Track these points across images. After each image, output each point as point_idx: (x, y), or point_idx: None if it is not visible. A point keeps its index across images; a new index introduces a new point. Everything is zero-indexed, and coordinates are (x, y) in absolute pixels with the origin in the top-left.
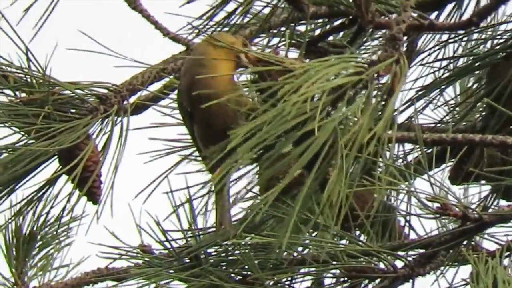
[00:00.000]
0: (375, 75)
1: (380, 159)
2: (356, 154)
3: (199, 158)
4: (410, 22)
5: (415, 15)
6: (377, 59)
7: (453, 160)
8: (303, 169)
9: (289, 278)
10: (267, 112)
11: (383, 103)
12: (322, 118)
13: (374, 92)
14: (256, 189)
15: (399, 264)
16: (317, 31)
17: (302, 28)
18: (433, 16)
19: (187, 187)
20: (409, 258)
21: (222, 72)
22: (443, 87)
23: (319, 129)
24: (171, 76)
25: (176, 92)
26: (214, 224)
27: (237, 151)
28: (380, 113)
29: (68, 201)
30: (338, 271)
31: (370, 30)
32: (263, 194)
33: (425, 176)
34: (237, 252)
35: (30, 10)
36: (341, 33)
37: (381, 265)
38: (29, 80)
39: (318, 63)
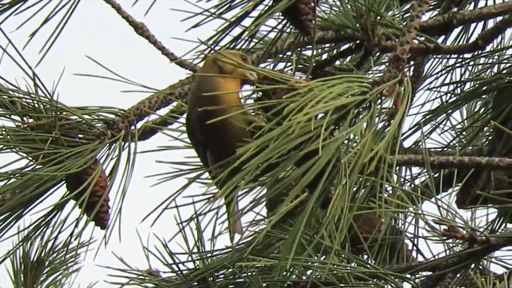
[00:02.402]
0: (379, 95)
1: (387, 182)
2: (359, 175)
3: (206, 180)
4: (415, 45)
5: (422, 38)
6: (380, 79)
7: (460, 183)
8: (306, 189)
9: None
10: (272, 131)
11: (387, 123)
12: (326, 137)
13: (378, 112)
14: (264, 211)
15: (406, 286)
16: (324, 56)
17: (308, 52)
18: (440, 39)
19: (193, 202)
20: (417, 281)
21: (231, 96)
22: (450, 111)
23: (322, 148)
24: (178, 101)
25: (185, 121)
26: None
27: (243, 169)
28: (384, 134)
29: (76, 226)
30: None
31: (377, 54)
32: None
33: (433, 200)
34: (244, 275)
35: (37, 34)
36: (348, 58)
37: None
38: (36, 105)
39: (322, 82)
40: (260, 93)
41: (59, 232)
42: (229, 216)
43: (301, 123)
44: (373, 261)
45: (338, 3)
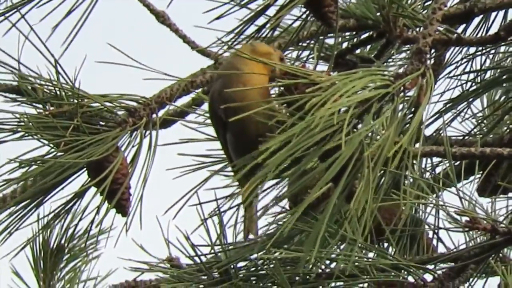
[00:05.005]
0: (401, 88)
1: (408, 173)
2: (382, 167)
3: (228, 173)
4: (437, 36)
5: (442, 29)
6: (403, 72)
7: (481, 172)
8: (330, 182)
9: None
10: (295, 125)
11: (409, 116)
12: (349, 131)
13: (401, 106)
14: (286, 204)
15: (428, 277)
16: (345, 44)
17: (331, 41)
18: (461, 28)
19: (216, 199)
20: (439, 272)
21: (256, 83)
22: (470, 99)
23: (345, 143)
24: (199, 90)
25: (208, 100)
26: (242, 233)
27: (266, 164)
28: (407, 126)
29: (96, 213)
30: (366, 284)
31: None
32: (292, 208)
33: (454, 190)
34: (266, 266)
35: (60, 19)
36: (369, 46)
37: (411, 279)
38: (58, 92)
39: (344, 76)
40: (282, 88)
41: (80, 220)
42: (246, 214)
43: (324, 118)
44: (395, 250)
45: None
